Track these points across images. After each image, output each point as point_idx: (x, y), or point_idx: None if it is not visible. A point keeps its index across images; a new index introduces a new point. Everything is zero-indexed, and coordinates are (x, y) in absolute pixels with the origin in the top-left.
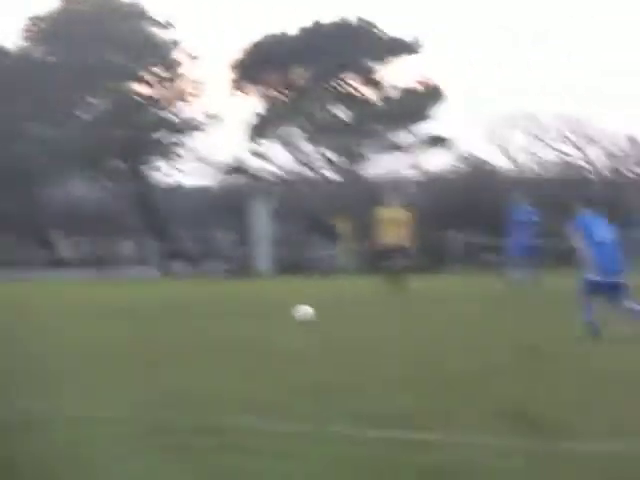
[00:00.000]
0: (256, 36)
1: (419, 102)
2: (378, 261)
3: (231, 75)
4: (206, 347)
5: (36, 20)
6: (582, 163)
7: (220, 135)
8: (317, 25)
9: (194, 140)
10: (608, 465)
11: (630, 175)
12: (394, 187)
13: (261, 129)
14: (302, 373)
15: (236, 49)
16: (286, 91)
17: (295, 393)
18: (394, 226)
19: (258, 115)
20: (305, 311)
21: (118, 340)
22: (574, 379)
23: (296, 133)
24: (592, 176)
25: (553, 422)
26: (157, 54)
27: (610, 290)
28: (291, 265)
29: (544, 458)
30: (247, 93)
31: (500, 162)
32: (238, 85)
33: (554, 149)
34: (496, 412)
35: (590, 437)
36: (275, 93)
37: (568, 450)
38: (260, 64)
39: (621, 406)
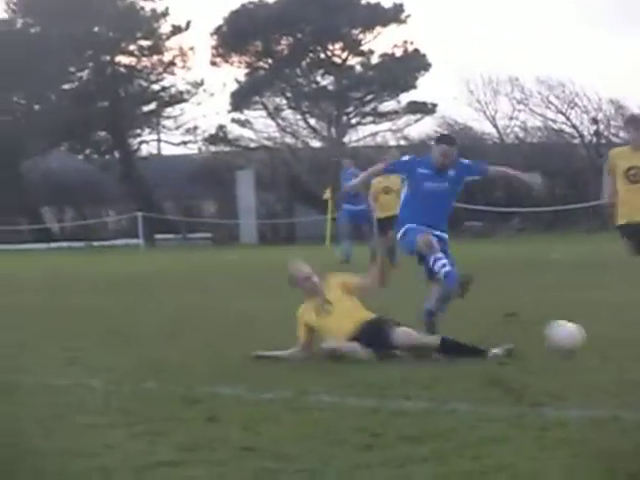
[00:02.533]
0: (235, 4)
1: (402, 69)
2: (376, 231)
3: (213, 44)
4: (186, 318)
5: None
6: (566, 128)
7: (204, 105)
8: None
9: (178, 110)
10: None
11: (614, 139)
12: (384, 155)
13: (244, 98)
14: (276, 339)
15: (217, 17)
16: (268, 59)
17: (273, 360)
18: (390, 195)
19: (241, 84)
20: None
21: (102, 310)
22: None
23: (279, 101)
24: (576, 141)
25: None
26: (141, 25)
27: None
28: (275, 234)
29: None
30: (230, 62)
31: (484, 128)
32: (220, 54)
33: (537, 114)
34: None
35: None
36: (257, 61)
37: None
38: (241, 32)
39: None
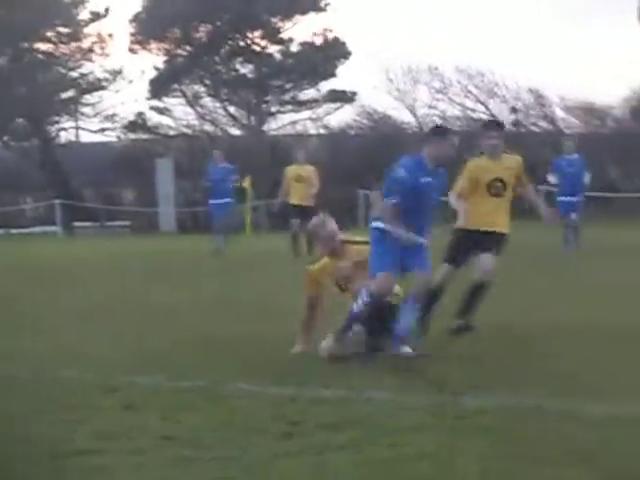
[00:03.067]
0: None
1: (322, 58)
2: (286, 219)
3: (131, 31)
4: (105, 307)
5: None
6: (485, 117)
7: (123, 92)
8: None
9: (97, 97)
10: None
11: (533, 129)
12: (301, 144)
13: (163, 85)
14: (194, 328)
15: (136, 4)
16: (187, 47)
17: (191, 349)
18: (300, 184)
19: (160, 71)
20: None
21: (20, 299)
22: None
23: (198, 89)
24: None
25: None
26: (60, 12)
27: None
28: (194, 222)
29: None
30: (148, 49)
31: (403, 117)
32: (139, 41)
33: (457, 103)
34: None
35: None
36: (176, 49)
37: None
38: (159, 19)
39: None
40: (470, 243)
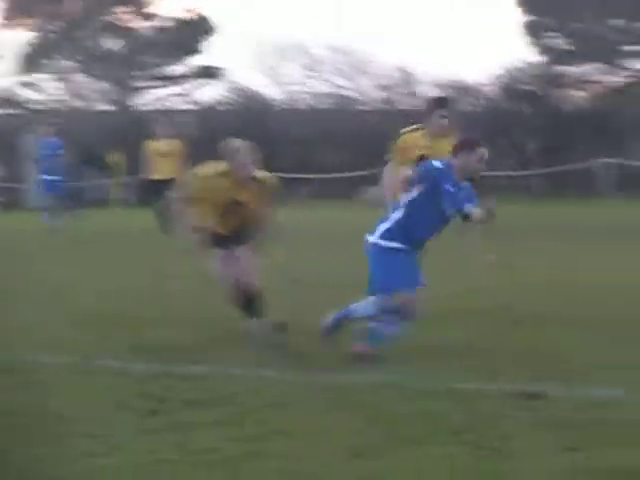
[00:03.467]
0: None
1: (190, 33)
2: (149, 194)
3: (2, 6)
4: None
5: None
6: (355, 95)
7: None
8: None
9: None
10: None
11: (401, 106)
12: (164, 118)
13: (32, 61)
14: (63, 305)
15: None
16: (58, 22)
17: (58, 325)
18: (165, 158)
19: (29, 46)
20: None
21: None
22: None
23: (68, 64)
24: (364, 107)
25: None
26: None
27: None
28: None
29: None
30: (18, 24)
31: (273, 94)
32: (9, 16)
33: (327, 80)
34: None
35: None
36: (46, 24)
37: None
38: None
39: None
40: None
